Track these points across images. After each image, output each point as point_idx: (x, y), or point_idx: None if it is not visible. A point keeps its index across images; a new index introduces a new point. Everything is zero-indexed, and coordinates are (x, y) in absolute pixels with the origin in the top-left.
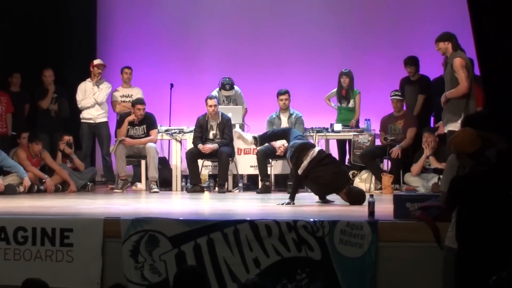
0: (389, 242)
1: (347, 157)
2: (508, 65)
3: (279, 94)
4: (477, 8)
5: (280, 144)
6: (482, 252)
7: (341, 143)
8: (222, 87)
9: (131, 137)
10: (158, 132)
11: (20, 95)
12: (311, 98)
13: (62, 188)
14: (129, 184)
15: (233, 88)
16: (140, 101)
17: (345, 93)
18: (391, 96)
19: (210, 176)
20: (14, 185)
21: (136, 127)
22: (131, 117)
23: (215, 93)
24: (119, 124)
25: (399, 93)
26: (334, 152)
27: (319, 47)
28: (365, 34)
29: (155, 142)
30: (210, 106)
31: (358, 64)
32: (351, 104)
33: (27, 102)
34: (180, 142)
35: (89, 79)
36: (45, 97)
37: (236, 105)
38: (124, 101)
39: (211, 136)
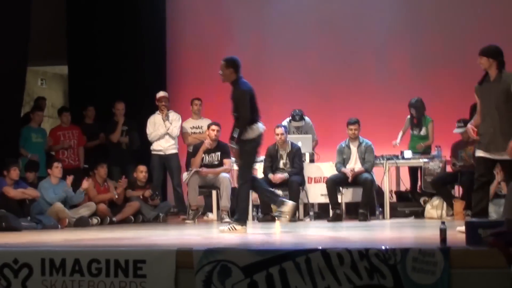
0: (462, 269)
1: (419, 183)
2: None
3: (349, 124)
4: None
5: (349, 169)
6: None
7: (413, 170)
8: (292, 118)
9: (206, 165)
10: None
11: (93, 128)
12: (381, 124)
13: (134, 219)
14: (200, 214)
15: (303, 119)
16: (215, 123)
17: (416, 122)
18: (456, 128)
19: None
20: (86, 216)
21: (211, 154)
22: (205, 144)
23: (285, 123)
24: (194, 154)
25: (462, 124)
26: (406, 179)
27: (390, 74)
28: (437, 61)
29: (228, 172)
30: (277, 134)
31: (429, 90)
32: (422, 132)
33: (100, 134)
34: None
35: (158, 112)
36: (114, 130)
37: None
38: (194, 133)
39: (281, 165)
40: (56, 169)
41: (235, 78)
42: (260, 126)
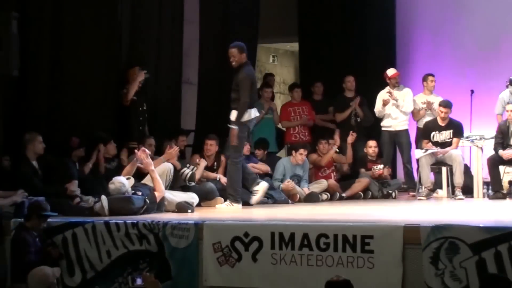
0: None
1: None
2: None
3: None
4: None
5: None
6: None
7: None
8: (510, 83)
9: (437, 142)
10: None
11: (322, 104)
12: None
13: (363, 195)
14: (432, 192)
15: None
16: (444, 104)
17: None
18: None
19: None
20: (317, 192)
21: (443, 131)
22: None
23: (504, 95)
24: (424, 133)
25: None
26: None
27: None
28: None
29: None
30: (507, 111)
31: None
32: None
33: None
34: (481, 148)
35: (388, 87)
36: (343, 106)
37: None
38: (424, 108)
39: None
40: (300, 156)
41: (245, 61)
42: (252, 112)
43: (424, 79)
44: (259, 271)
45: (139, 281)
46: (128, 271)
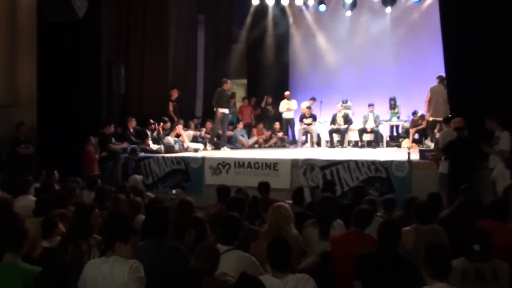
0: (418, 170)
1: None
2: (473, 79)
3: (369, 105)
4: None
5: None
6: None
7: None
8: (343, 102)
9: (307, 124)
10: None
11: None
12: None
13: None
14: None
15: (347, 102)
16: (308, 105)
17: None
18: None
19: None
20: (253, 143)
21: (309, 118)
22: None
23: (339, 105)
24: (301, 119)
25: None
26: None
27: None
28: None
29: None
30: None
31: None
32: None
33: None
34: (324, 125)
35: (285, 99)
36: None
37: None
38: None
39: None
40: (240, 124)
41: None
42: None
43: (312, 98)
44: (230, 177)
45: (173, 192)
46: (173, 179)
